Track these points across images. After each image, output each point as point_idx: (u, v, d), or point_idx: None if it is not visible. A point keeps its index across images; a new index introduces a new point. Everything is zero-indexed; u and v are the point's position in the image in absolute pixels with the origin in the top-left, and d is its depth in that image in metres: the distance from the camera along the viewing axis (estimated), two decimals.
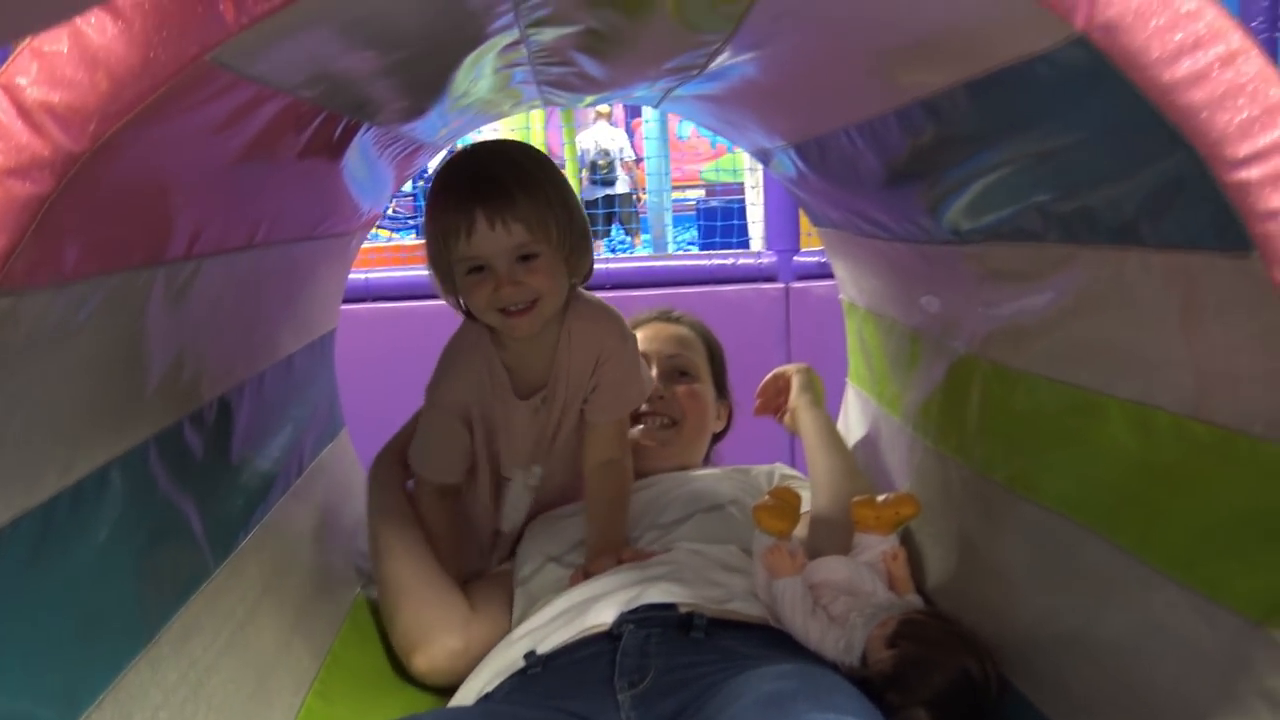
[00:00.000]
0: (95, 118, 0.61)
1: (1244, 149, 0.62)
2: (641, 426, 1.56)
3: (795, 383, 1.61)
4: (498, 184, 1.18)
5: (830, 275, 2.66)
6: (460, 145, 1.39)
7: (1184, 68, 0.61)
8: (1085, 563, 0.93)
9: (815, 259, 2.78)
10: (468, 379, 1.31)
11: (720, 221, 5.01)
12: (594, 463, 1.38)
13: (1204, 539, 0.77)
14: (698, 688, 0.98)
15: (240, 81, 0.70)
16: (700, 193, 8.47)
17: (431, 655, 1.26)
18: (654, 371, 1.58)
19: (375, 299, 2.68)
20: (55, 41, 0.61)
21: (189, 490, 1.03)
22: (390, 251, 5.38)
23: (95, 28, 0.61)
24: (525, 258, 1.19)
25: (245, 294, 1.14)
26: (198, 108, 0.69)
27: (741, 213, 5.10)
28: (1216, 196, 0.65)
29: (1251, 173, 0.62)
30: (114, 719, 0.83)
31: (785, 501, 1.17)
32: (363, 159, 1.19)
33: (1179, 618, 0.79)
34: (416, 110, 1.18)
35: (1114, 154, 0.74)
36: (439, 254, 1.23)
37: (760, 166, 3.64)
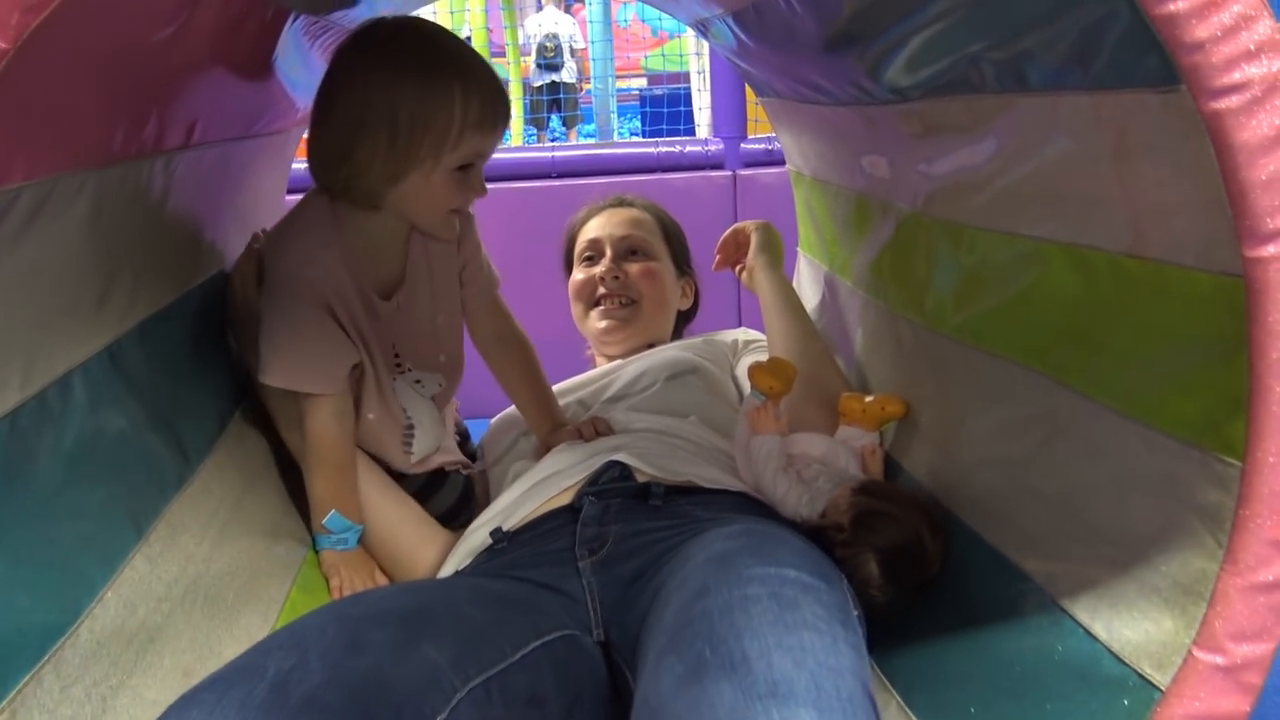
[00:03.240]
0: (17, 10, 0.60)
1: None
2: (600, 308, 1.59)
3: (754, 240, 1.63)
4: (503, 86, 1.16)
5: (778, 163, 2.67)
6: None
7: None
8: (1033, 404, 0.96)
9: (763, 146, 2.77)
10: (324, 272, 1.17)
11: (664, 109, 4.92)
12: (483, 339, 1.37)
13: (1142, 369, 0.81)
14: (655, 551, 1.02)
15: None
16: (642, 81, 8.30)
17: (415, 575, 1.27)
18: (607, 254, 1.60)
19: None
20: None
21: (154, 395, 1.04)
22: None
23: None
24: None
25: (187, 197, 1.13)
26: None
27: (686, 100, 5.03)
28: (1145, 32, 0.66)
29: (1178, 6, 0.64)
30: (118, 611, 0.86)
31: (781, 365, 1.21)
32: (296, 52, 1.16)
33: (1120, 446, 0.83)
34: None
35: None
36: (433, 140, 1.09)
37: (705, 53, 3.60)
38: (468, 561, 1.17)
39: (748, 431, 1.20)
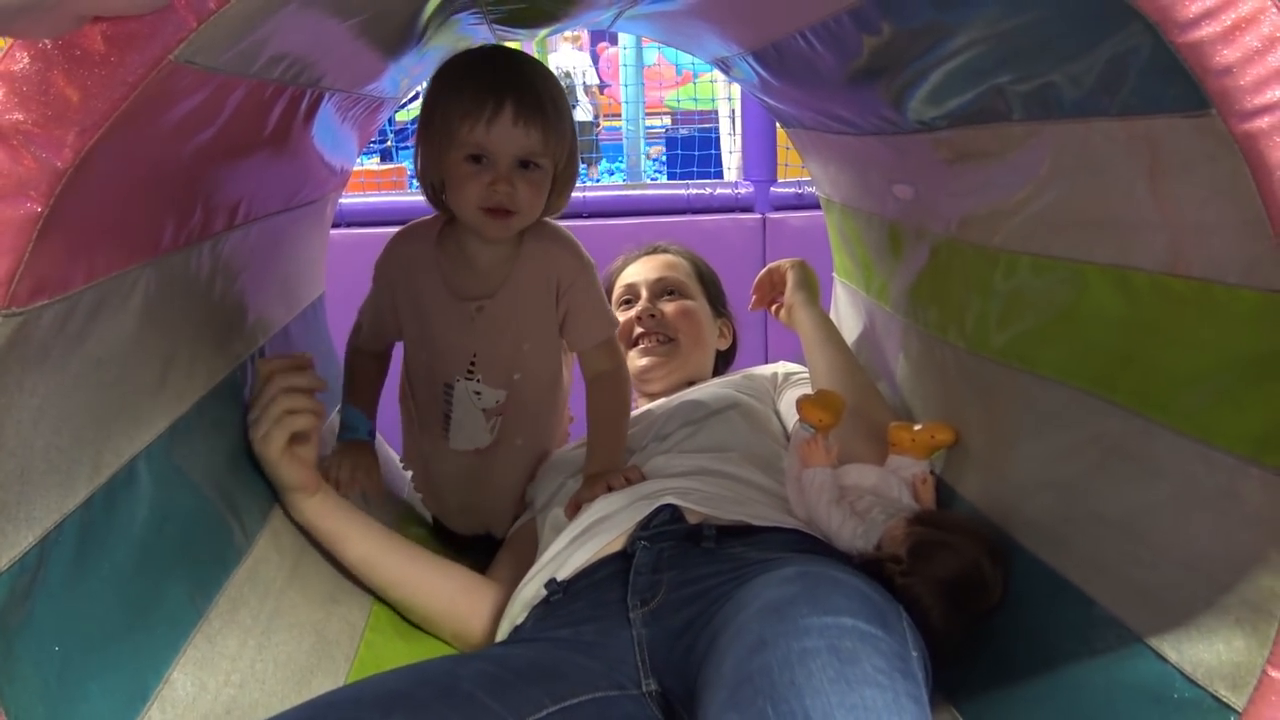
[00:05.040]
0: (72, 131, 0.62)
1: (1193, 9, 0.64)
2: (639, 347, 1.61)
3: (791, 278, 1.65)
4: (531, 85, 1.18)
5: (808, 206, 2.69)
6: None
7: None
8: (1084, 424, 0.96)
9: (792, 190, 2.78)
10: (400, 255, 1.33)
11: (689, 151, 4.91)
12: (588, 377, 1.41)
13: (1195, 386, 0.80)
14: (707, 600, 1.01)
15: (206, 75, 0.70)
16: (667, 120, 8.36)
17: (474, 639, 1.28)
18: (643, 296, 1.64)
19: (348, 224, 2.66)
20: (17, 60, 0.62)
21: (213, 471, 1.06)
22: (364, 176, 5.23)
23: (57, 41, 0.61)
24: (525, 165, 1.20)
25: (233, 274, 1.15)
26: (169, 107, 0.70)
27: (711, 143, 5.02)
28: (1171, 60, 0.66)
29: (1202, 32, 0.64)
30: (186, 689, 0.87)
31: (829, 397, 1.22)
32: (329, 126, 1.19)
33: (1179, 465, 0.83)
34: (375, 72, 1.18)
35: (1069, 29, 0.75)
36: (443, 133, 1.18)
37: (735, 95, 3.61)
38: (524, 615, 1.17)
39: (799, 465, 1.20)
